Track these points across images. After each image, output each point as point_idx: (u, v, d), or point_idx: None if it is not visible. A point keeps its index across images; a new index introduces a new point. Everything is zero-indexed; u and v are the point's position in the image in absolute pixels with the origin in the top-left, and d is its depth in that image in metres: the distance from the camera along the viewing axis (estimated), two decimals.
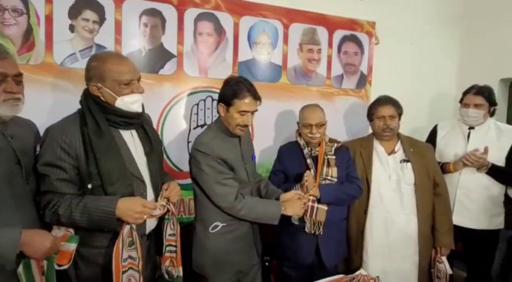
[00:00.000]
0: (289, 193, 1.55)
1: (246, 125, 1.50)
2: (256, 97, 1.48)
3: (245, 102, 1.45)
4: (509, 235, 2.02)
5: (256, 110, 1.52)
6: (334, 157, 1.71)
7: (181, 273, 1.37)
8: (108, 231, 1.21)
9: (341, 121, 2.49)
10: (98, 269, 1.23)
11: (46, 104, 1.76)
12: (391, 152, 1.86)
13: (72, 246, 1.14)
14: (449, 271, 1.85)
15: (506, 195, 1.95)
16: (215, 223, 1.48)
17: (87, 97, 1.23)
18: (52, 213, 1.14)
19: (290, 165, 1.76)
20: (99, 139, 1.18)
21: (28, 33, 1.73)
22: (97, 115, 1.20)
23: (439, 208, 1.85)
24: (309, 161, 1.70)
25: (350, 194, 1.72)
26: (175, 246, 1.37)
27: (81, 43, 1.83)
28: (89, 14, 1.83)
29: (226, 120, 1.51)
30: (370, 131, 2.40)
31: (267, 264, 2.01)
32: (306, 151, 1.73)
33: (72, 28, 1.81)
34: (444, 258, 1.85)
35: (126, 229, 1.18)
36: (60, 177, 1.16)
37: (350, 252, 1.89)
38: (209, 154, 1.43)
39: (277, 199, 1.56)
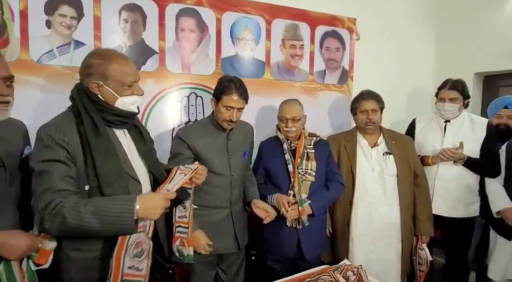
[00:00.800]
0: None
1: (232, 121, 1.60)
2: (242, 96, 1.60)
3: (231, 98, 1.57)
4: (484, 222, 2.12)
5: (242, 108, 1.63)
6: (313, 151, 1.76)
7: (191, 252, 1.39)
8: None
9: (324, 116, 2.54)
10: (92, 275, 1.14)
11: (22, 102, 1.70)
12: (374, 145, 1.92)
13: (52, 245, 1.10)
14: (430, 258, 1.93)
15: (480, 184, 2.04)
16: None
17: (81, 94, 1.18)
18: (54, 215, 1.00)
19: (271, 161, 1.79)
20: (97, 139, 1.13)
21: (2, 29, 1.67)
22: (94, 113, 1.16)
23: (420, 198, 1.92)
24: (287, 156, 1.73)
25: (337, 196, 1.82)
26: (186, 227, 1.38)
27: (59, 39, 1.78)
28: (66, 9, 1.79)
29: (216, 115, 1.63)
30: (353, 125, 2.46)
31: (253, 258, 2.03)
32: (285, 145, 1.76)
33: (48, 24, 1.76)
34: (424, 246, 1.93)
35: (133, 237, 1.09)
36: (65, 173, 1.06)
37: (336, 243, 1.94)
38: (182, 140, 1.59)
39: (248, 204, 1.69)
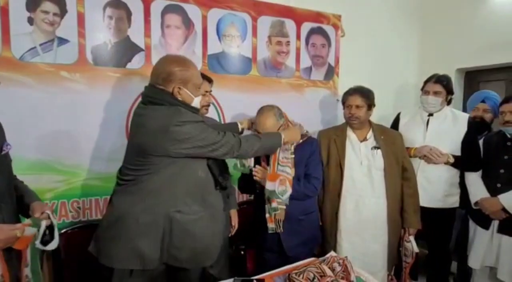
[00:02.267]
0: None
1: (209, 104, 1.82)
2: (208, 80, 1.79)
3: (204, 84, 1.65)
4: (463, 214, 2.19)
5: (211, 90, 1.82)
6: (290, 159, 1.69)
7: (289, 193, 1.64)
8: None
9: (311, 112, 2.57)
10: None
11: (6, 100, 1.68)
12: (364, 139, 1.96)
13: (32, 231, 1.16)
14: (416, 250, 1.98)
15: (461, 177, 2.11)
16: None
17: (165, 95, 1.34)
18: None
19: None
20: None
21: None
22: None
23: (407, 191, 1.97)
24: (263, 164, 1.73)
25: (305, 194, 1.76)
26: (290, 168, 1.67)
27: (42, 36, 1.76)
28: (48, 6, 1.76)
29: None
30: (339, 121, 2.50)
31: (242, 252, 2.06)
32: None
33: (31, 20, 1.73)
34: (411, 238, 1.98)
35: None
36: None
37: (325, 235, 1.97)
38: None
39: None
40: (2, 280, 1.08)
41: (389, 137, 1.98)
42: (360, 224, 1.90)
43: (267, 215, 1.72)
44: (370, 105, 1.95)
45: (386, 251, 1.94)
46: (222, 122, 2.21)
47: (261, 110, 1.74)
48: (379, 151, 1.91)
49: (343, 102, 2.01)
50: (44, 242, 1.20)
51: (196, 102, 1.42)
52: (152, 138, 1.30)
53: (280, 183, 1.61)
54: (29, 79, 1.74)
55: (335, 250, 1.87)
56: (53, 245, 1.22)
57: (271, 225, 1.72)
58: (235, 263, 2.00)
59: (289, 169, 1.65)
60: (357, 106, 1.92)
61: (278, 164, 1.65)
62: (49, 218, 1.23)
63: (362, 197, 1.91)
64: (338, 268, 1.42)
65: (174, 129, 1.27)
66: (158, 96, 1.34)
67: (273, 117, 1.70)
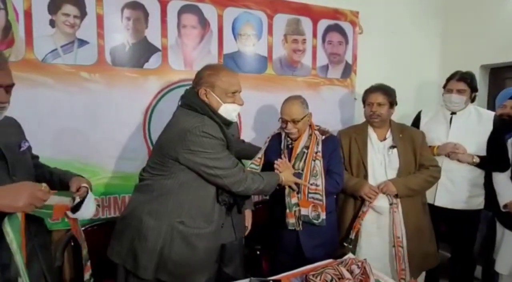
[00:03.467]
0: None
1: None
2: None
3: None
4: (489, 216, 2.10)
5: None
6: (318, 151, 1.69)
7: (324, 217, 1.66)
8: None
9: (327, 111, 2.52)
10: None
11: (28, 101, 1.74)
12: (383, 139, 1.91)
13: (66, 200, 1.12)
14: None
15: (485, 177, 2.03)
16: None
17: (197, 99, 1.39)
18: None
19: (271, 156, 1.75)
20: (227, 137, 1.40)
21: (7, 30, 1.70)
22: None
23: (421, 173, 1.85)
24: (282, 156, 1.71)
25: (328, 190, 1.71)
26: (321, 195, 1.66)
27: (63, 38, 1.81)
28: (69, 8, 1.80)
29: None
30: (356, 120, 2.44)
31: (258, 252, 2.05)
32: (283, 144, 1.74)
33: (52, 23, 1.78)
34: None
35: None
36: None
37: (344, 236, 1.92)
38: None
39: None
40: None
41: (409, 135, 1.91)
42: (379, 227, 1.85)
43: (287, 211, 1.67)
44: (392, 103, 1.90)
45: (405, 253, 1.86)
46: (237, 122, 2.21)
47: (288, 99, 1.74)
48: (394, 150, 1.86)
49: (364, 100, 1.96)
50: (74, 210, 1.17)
51: (225, 109, 1.40)
52: (171, 139, 1.34)
53: (312, 209, 1.66)
54: (51, 80, 1.79)
55: (354, 251, 1.83)
56: (84, 214, 1.18)
57: (291, 220, 1.67)
58: (251, 263, 1.99)
59: (319, 196, 1.66)
60: (379, 104, 1.86)
61: (308, 192, 1.66)
62: (87, 193, 1.21)
63: (379, 197, 1.85)
64: (357, 271, 1.38)
65: (191, 137, 1.30)
66: (189, 96, 1.41)
67: (300, 105, 1.70)
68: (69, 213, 1.16)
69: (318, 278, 1.33)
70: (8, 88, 1.07)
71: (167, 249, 1.34)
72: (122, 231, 1.39)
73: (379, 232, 1.86)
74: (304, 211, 1.66)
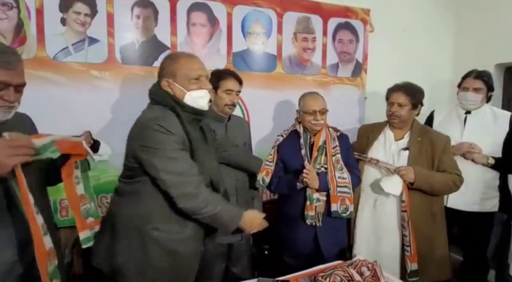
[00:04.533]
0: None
1: (233, 104, 1.70)
2: (238, 79, 1.72)
3: (230, 82, 1.68)
4: (504, 219, 2.04)
5: (240, 92, 1.73)
6: (336, 144, 1.71)
7: (351, 209, 1.67)
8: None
9: (337, 110, 2.43)
10: None
11: (40, 98, 1.75)
12: (400, 139, 1.84)
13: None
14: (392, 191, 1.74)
15: (501, 179, 1.97)
16: None
17: (160, 91, 1.27)
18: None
19: (287, 154, 1.75)
20: (195, 132, 1.27)
21: (19, 27, 1.72)
22: (186, 108, 1.25)
23: (447, 175, 1.75)
24: (303, 152, 1.69)
25: (352, 185, 1.72)
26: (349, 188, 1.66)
27: (74, 36, 1.82)
28: (80, 6, 1.81)
29: (217, 103, 1.68)
30: (367, 119, 2.41)
31: (266, 252, 2.04)
32: (301, 140, 1.73)
33: (63, 21, 1.80)
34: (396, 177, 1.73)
35: None
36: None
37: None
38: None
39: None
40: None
41: (430, 139, 1.80)
42: (375, 223, 1.82)
43: (307, 203, 1.65)
44: (416, 104, 1.80)
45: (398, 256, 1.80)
46: (246, 119, 2.19)
47: (307, 93, 1.76)
48: (406, 152, 1.79)
49: (387, 98, 1.87)
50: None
51: (190, 98, 1.24)
52: (131, 137, 1.25)
53: (340, 203, 1.66)
54: (61, 78, 1.80)
55: (350, 249, 1.82)
56: (107, 153, 1.20)
57: (311, 213, 1.65)
58: (259, 263, 1.98)
59: (347, 189, 1.66)
60: (400, 105, 1.77)
61: (337, 186, 1.66)
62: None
63: (380, 197, 1.81)
64: (367, 273, 1.36)
65: (146, 132, 1.17)
66: (153, 90, 1.30)
67: (321, 96, 1.75)
68: (92, 155, 1.15)
69: (327, 279, 1.31)
70: (19, 87, 1.06)
71: (146, 258, 1.22)
72: (101, 231, 1.26)
73: (375, 228, 1.82)
74: (333, 207, 1.66)
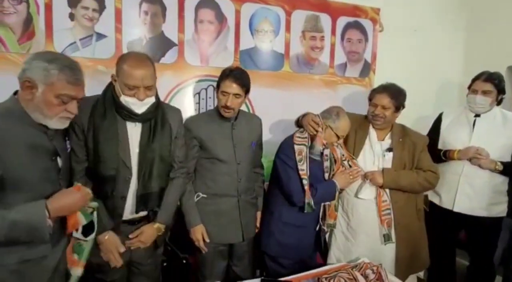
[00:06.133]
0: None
1: (227, 107, 1.58)
2: (238, 82, 1.58)
3: (226, 84, 1.58)
4: None
5: (239, 95, 1.59)
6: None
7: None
8: None
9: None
10: None
11: None
12: (382, 140, 1.84)
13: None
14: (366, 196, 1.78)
15: (510, 184, 1.93)
16: (197, 193, 1.66)
17: (110, 84, 1.37)
18: None
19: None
20: (102, 122, 1.31)
21: (28, 22, 1.72)
22: (108, 102, 1.34)
23: (418, 173, 1.78)
24: (326, 163, 1.68)
25: None
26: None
27: (81, 31, 1.82)
28: (88, 2, 1.81)
29: (218, 103, 1.66)
30: None
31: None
32: (326, 151, 1.69)
33: (72, 16, 1.80)
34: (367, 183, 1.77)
35: None
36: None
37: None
38: (187, 128, 1.62)
39: None
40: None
41: (410, 140, 1.81)
42: (352, 225, 1.81)
43: (333, 211, 1.74)
44: (398, 107, 1.78)
45: (394, 257, 1.79)
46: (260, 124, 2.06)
47: (343, 113, 1.69)
48: (390, 153, 1.79)
49: (370, 99, 1.85)
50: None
51: (124, 101, 1.30)
52: None
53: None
54: None
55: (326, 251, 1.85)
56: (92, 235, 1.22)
57: (330, 221, 1.74)
58: (260, 263, 1.97)
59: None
60: (383, 107, 1.75)
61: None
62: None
63: (353, 199, 1.81)
64: (372, 276, 1.35)
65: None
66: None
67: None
68: (78, 234, 1.17)
69: (331, 281, 1.30)
70: (80, 100, 1.15)
71: None
72: None
73: (351, 231, 1.81)
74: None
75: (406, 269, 1.83)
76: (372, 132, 1.86)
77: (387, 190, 1.77)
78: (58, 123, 1.11)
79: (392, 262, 1.78)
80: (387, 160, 1.78)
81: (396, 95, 1.77)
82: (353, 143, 1.85)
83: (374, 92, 1.84)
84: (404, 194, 1.79)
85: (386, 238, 1.73)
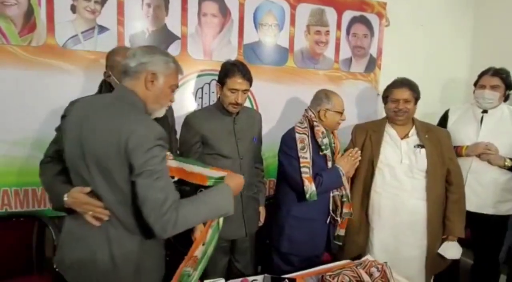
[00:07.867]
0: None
1: (237, 103, 1.59)
2: (246, 78, 1.57)
3: (236, 81, 1.55)
4: None
5: (247, 90, 1.60)
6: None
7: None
8: None
9: (349, 106, 2.37)
10: None
11: (49, 86, 1.74)
12: (405, 136, 1.81)
13: None
14: (453, 257, 1.81)
15: None
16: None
17: (104, 82, 1.43)
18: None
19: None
20: None
21: (29, 14, 1.70)
22: None
23: (452, 197, 1.80)
24: (327, 152, 1.68)
25: None
26: None
27: (83, 24, 1.79)
28: None
29: (222, 99, 1.62)
30: (380, 115, 2.34)
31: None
32: (325, 140, 1.68)
33: (73, 8, 1.77)
34: (451, 244, 1.81)
35: None
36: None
37: (349, 235, 1.86)
38: (189, 124, 1.63)
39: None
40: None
41: (435, 135, 1.81)
42: (396, 226, 1.78)
43: (349, 199, 1.74)
44: (418, 98, 1.80)
45: (424, 256, 1.80)
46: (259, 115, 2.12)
47: (330, 92, 1.73)
48: (423, 150, 1.75)
49: (386, 96, 1.84)
50: None
51: None
52: None
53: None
54: (70, 66, 1.78)
55: (364, 250, 1.79)
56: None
57: (346, 210, 1.74)
58: (262, 259, 1.96)
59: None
60: (406, 101, 1.75)
61: None
62: None
63: (400, 197, 1.77)
64: (376, 274, 1.33)
65: None
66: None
67: None
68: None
69: (335, 279, 1.28)
70: (176, 88, 1.20)
71: None
72: None
73: (395, 231, 1.79)
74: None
75: (431, 268, 1.84)
76: (391, 131, 1.84)
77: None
78: (163, 111, 1.21)
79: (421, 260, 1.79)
80: (421, 158, 1.75)
81: (414, 87, 1.80)
82: (370, 146, 1.83)
83: (391, 88, 1.82)
84: (441, 189, 1.80)
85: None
